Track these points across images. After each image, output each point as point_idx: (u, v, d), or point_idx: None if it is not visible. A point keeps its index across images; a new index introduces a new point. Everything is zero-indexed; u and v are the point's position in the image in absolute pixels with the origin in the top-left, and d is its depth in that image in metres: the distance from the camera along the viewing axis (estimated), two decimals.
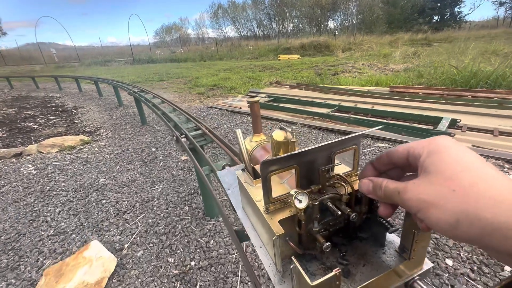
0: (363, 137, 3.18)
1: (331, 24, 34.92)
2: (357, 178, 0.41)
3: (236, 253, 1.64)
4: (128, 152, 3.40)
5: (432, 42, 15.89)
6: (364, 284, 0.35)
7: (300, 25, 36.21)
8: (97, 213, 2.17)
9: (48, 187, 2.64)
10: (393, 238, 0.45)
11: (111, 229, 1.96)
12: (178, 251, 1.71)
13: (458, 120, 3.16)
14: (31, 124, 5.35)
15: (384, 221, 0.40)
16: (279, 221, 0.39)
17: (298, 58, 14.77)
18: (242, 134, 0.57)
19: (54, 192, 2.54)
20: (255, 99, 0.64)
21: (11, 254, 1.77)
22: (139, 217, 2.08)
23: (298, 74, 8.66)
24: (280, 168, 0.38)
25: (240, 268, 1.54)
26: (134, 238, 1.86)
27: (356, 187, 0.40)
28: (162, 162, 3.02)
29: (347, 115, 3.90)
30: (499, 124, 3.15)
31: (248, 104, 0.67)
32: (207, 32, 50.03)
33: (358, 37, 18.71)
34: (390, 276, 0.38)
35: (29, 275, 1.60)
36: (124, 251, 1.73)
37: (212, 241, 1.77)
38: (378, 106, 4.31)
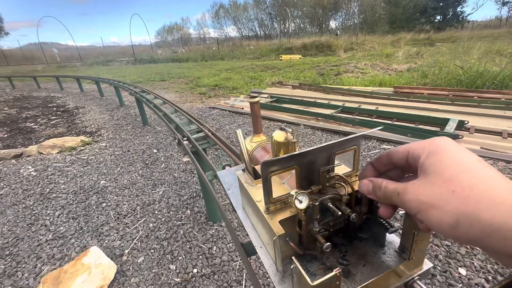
0: (368, 139, 3.12)
1: (332, 24, 34.86)
2: (357, 178, 0.41)
3: (240, 260, 1.58)
4: (129, 154, 3.36)
5: (434, 42, 15.80)
6: (364, 284, 0.36)
7: (301, 25, 36.12)
8: (97, 217, 2.12)
9: (47, 190, 2.59)
10: (393, 239, 0.45)
11: (111, 234, 1.91)
12: (180, 258, 1.65)
13: (466, 122, 3.09)
14: (32, 124, 5.32)
15: (384, 222, 0.40)
16: (280, 221, 0.39)
17: (300, 58, 14.70)
18: (243, 135, 0.57)
19: (54, 195, 2.50)
20: (256, 99, 0.64)
21: (9, 259, 1.73)
22: (140, 221, 2.03)
23: (300, 74, 8.60)
24: (280, 168, 0.38)
25: (244, 277, 1.48)
26: (135, 243, 1.80)
27: (356, 187, 0.40)
28: (163, 164, 2.97)
29: (351, 116, 3.84)
30: (508, 125, 3.07)
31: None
32: (208, 32, 50.02)
33: (360, 37, 18.62)
34: (390, 276, 0.38)
35: (27, 282, 1.55)
36: (124, 257, 1.68)
37: (215, 247, 1.71)
38: (383, 107, 4.24)
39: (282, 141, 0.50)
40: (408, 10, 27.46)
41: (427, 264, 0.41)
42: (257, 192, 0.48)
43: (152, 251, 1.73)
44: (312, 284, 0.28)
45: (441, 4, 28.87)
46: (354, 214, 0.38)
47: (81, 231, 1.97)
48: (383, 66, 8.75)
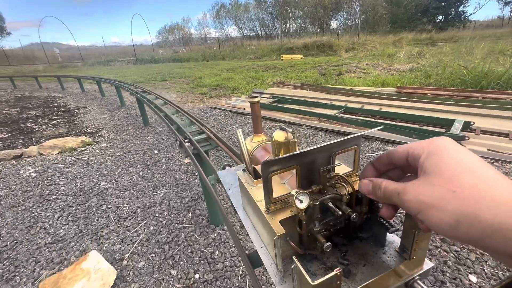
0: (372, 140, 3.07)
1: (334, 23, 34.77)
2: (358, 178, 0.41)
3: (243, 266, 1.54)
4: (129, 154, 3.32)
5: (436, 42, 15.73)
6: (365, 284, 0.35)
7: (302, 25, 36.06)
8: (97, 220, 2.08)
9: (47, 191, 2.56)
10: (394, 238, 0.45)
11: (111, 237, 1.88)
12: (182, 262, 1.61)
13: (472, 123, 3.04)
14: (33, 124, 5.30)
15: (384, 221, 0.40)
16: (280, 221, 0.39)
17: (301, 58, 14.65)
18: (243, 134, 0.56)
19: (54, 197, 2.46)
20: (256, 99, 0.63)
21: (7, 263, 1.69)
22: (140, 224, 1.99)
23: (302, 74, 8.55)
24: (281, 168, 0.38)
25: (247, 283, 1.44)
26: (135, 247, 1.77)
27: (356, 187, 0.40)
28: (164, 165, 2.94)
29: (354, 116, 3.79)
30: None
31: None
32: (209, 32, 50.01)
33: (362, 37, 18.55)
34: (390, 276, 0.38)
35: (25, 287, 1.51)
36: (125, 262, 1.64)
37: (217, 251, 1.68)
38: (386, 107, 4.19)
39: (282, 141, 0.50)
40: (410, 10, 27.36)
41: (427, 264, 0.41)
42: (257, 192, 0.48)
43: (153, 255, 1.69)
44: (312, 283, 0.28)
45: (443, 4, 28.75)
46: (354, 214, 0.38)
47: (80, 234, 1.94)
48: (385, 66, 8.69)
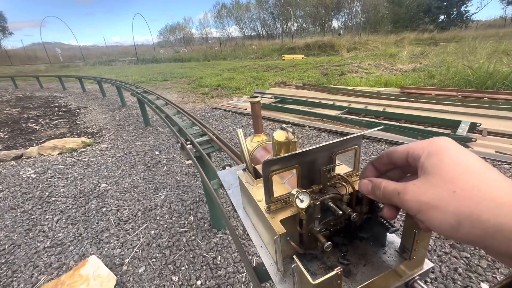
0: (377, 141, 3.02)
1: (335, 23, 34.67)
2: (358, 178, 0.41)
3: (246, 272, 1.50)
4: (130, 155, 3.28)
5: (438, 42, 15.64)
6: (365, 283, 0.35)
7: (304, 25, 35.98)
8: (97, 223, 2.04)
9: (47, 193, 2.52)
10: (394, 238, 0.45)
11: (111, 241, 1.84)
12: (183, 268, 1.57)
13: (478, 124, 2.99)
14: (34, 124, 5.27)
15: (384, 221, 0.41)
16: (281, 221, 0.39)
17: (302, 57, 14.58)
18: (244, 134, 0.57)
19: (53, 198, 2.43)
20: (256, 99, 0.63)
21: (4, 268, 1.66)
22: (141, 228, 1.95)
23: (304, 74, 8.50)
24: (281, 168, 0.38)
25: None
26: (136, 251, 1.73)
27: (357, 187, 0.39)
28: (165, 167, 2.90)
29: (357, 117, 3.74)
30: None
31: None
32: (210, 31, 50.03)
33: (363, 37, 18.46)
34: (390, 276, 0.38)
35: None
36: (125, 267, 1.60)
37: (219, 257, 1.63)
38: (390, 108, 4.14)
39: (283, 141, 0.50)
40: (412, 10, 27.21)
41: (427, 264, 0.41)
42: (257, 192, 0.48)
43: (154, 260, 1.65)
44: (313, 283, 0.28)
45: (445, 3, 28.58)
46: (354, 214, 0.38)
47: (80, 237, 1.90)
48: (388, 66, 8.62)
